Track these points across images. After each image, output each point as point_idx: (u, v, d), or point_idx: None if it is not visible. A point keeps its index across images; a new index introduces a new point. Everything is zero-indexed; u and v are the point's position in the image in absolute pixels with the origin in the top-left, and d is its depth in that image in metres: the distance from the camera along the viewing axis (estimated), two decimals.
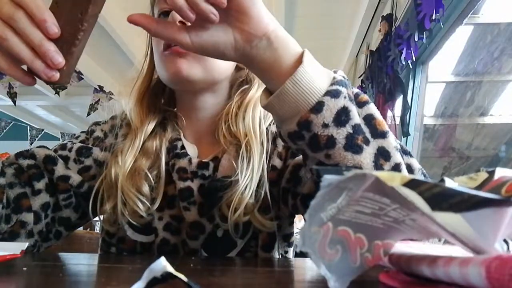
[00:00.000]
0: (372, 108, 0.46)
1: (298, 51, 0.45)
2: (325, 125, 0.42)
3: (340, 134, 0.42)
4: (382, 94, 2.36)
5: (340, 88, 0.43)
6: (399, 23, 2.21)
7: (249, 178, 0.60)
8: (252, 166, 0.61)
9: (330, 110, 0.42)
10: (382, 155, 0.44)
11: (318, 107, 0.42)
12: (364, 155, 0.43)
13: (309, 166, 0.50)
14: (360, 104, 0.46)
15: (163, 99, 0.72)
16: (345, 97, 0.43)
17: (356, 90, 0.48)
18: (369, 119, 0.45)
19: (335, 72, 0.47)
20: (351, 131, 0.43)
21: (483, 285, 0.22)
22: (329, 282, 0.26)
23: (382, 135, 0.45)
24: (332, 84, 0.44)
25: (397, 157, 0.44)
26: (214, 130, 0.67)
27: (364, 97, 0.47)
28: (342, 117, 0.43)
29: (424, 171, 0.49)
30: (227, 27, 0.42)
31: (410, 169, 0.47)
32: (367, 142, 0.43)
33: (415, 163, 0.48)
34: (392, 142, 0.45)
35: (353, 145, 0.43)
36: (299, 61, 0.43)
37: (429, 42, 2.01)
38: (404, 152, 0.48)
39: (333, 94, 0.43)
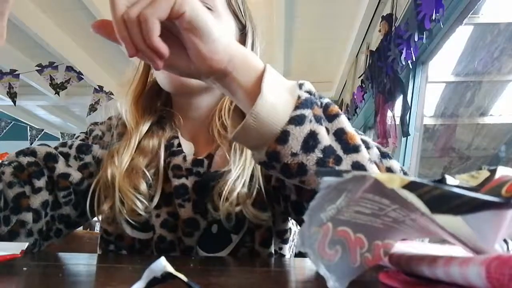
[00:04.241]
0: (342, 121, 0.44)
1: (258, 71, 0.43)
2: (294, 154, 0.41)
3: (310, 160, 0.41)
4: (382, 94, 2.36)
5: (304, 111, 0.42)
6: (399, 23, 2.21)
7: (241, 168, 0.61)
8: (245, 157, 0.62)
9: (296, 139, 0.41)
10: (358, 169, 0.42)
11: (283, 137, 0.41)
12: None
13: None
14: (330, 118, 0.44)
15: (159, 101, 0.73)
16: (310, 121, 0.42)
17: (325, 100, 0.46)
18: (339, 134, 0.44)
19: (300, 86, 0.44)
20: (321, 155, 0.41)
21: (483, 285, 0.22)
22: (329, 282, 0.26)
23: (355, 149, 0.43)
24: (296, 108, 0.42)
25: (372, 170, 0.43)
26: (209, 127, 0.68)
27: (334, 108, 0.45)
28: (309, 143, 0.41)
29: (406, 170, 0.48)
30: (188, 58, 0.42)
31: (390, 172, 0.46)
32: (339, 161, 0.42)
33: (395, 164, 0.47)
34: (365, 155, 0.43)
35: None
36: (259, 84, 0.41)
37: (429, 42, 2.01)
38: (383, 155, 0.47)
39: (297, 121, 0.41)
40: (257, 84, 0.42)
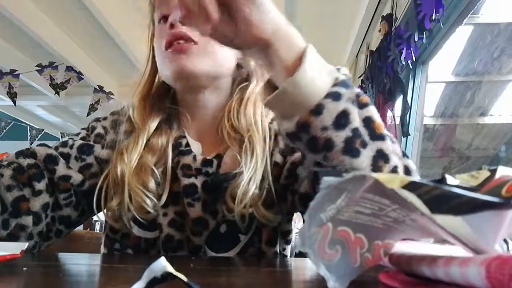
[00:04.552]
0: (372, 110, 0.45)
1: (301, 48, 0.44)
2: (324, 128, 0.42)
3: (339, 137, 0.42)
4: (382, 94, 2.36)
5: (342, 90, 0.43)
6: (399, 23, 2.21)
7: (253, 170, 0.61)
8: (256, 159, 0.62)
9: (330, 113, 0.42)
10: (382, 157, 0.43)
11: (318, 109, 0.42)
12: (361, 159, 0.42)
13: (307, 165, 0.50)
14: (361, 106, 0.45)
15: (167, 100, 0.73)
16: (346, 100, 0.43)
17: (357, 90, 0.47)
18: (368, 122, 0.44)
19: (338, 70, 0.46)
20: (351, 134, 0.42)
21: (483, 285, 0.22)
22: (329, 282, 0.26)
23: (381, 137, 0.44)
24: (334, 85, 0.43)
25: (395, 160, 0.44)
26: (217, 127, 0.68)
27: (365, 98, 0.46)
28: (342, 120, 0.42)
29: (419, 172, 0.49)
30: (234, 28, 0.43)
31: (407, 171, 0.47)
32: (364, 145, 0.43)
33: (412, 164, 0.48)
34: (390, 145, 0.44)
35: (352, 149, 0.42)
36: (301, 59, 0.43)
37: (429, 42, 2.01)
38: (402, 153, 0.47)
39: (334, 96, 0.42)
40: (297, 60, 0.43)
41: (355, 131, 0.43)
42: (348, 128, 0.42)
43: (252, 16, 0.41)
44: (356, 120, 0.43)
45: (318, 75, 0.43)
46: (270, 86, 0.47)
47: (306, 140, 0.44)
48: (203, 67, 0.63)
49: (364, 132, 0.44)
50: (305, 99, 0.42)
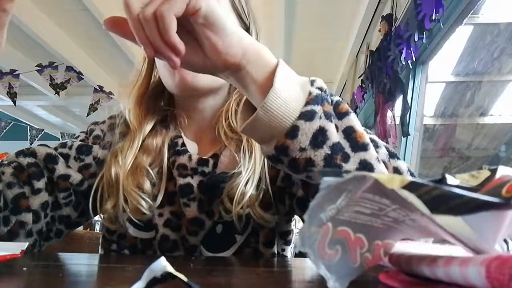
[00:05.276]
0: (352, 119, 0.45)
1: (271, 66, 0.43)
2: (302, 149, 0.42)
3: (318, 156, 0.42)
4: (382, 94, 2.36)
5: (315, 107, 0.42)
6: (399, 23, 2.21)
7: (252, 170, 0.61)
8: (254, 159, 0.62)
9: (305, 134, 0.42)
10: (365, 168, 0.42)
11: (293, 132, 0.42)
12: None
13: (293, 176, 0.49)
14: (340, 115, 0.45)
15: (162, 101, 0.73)
16: (320, 117, 0.42)
17: (336, 98, 0.46)
18: (348, 132, 0.44)
19: (312, 82, 0.45)
20: (329, 152, 0.42)
21: (483, 285, 0.22)
22: (329, 282, 0.26)
23: (363, 147, 0.43)
24: (306, 104, 0.42)
25: (379, 168, 0.43)
26: (214, 128, 0.68)
27: (344, 106, 0.46)
28: (318, 139, 0.42)
29: (412, 171, 0.48)
30: (203, 54, 0.43)
31: (397, 173, 0.46)
32: (346, 159, 0.42)
33: (403, 165, 0.47)
34: (373, 153, 0.44)
35: (332, 166, 0.42)
36: (272, 79, 0.42)
37: (429, 42, 2.01)
38: (391, 155, 0.47)
39: (308, 116, 0.42)
40: (269, 78, 0.43)
41: (334, 147, 0.42)
42: (326, 145, 0.42)
43: (218, 42, 0.41)
44: (334, 134, 0.42)
45: (290, 94, 0.42)
46: (248, 106, 0.47)
47: (287, 162, 0.43)
48: (202, 80, 0.63)
49: (345, 144, 0.43)
50: (279, 122, 0.42)
